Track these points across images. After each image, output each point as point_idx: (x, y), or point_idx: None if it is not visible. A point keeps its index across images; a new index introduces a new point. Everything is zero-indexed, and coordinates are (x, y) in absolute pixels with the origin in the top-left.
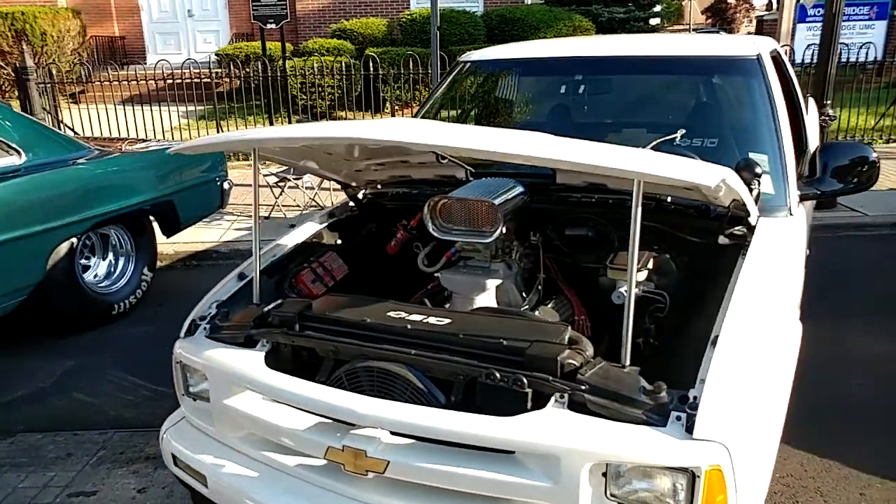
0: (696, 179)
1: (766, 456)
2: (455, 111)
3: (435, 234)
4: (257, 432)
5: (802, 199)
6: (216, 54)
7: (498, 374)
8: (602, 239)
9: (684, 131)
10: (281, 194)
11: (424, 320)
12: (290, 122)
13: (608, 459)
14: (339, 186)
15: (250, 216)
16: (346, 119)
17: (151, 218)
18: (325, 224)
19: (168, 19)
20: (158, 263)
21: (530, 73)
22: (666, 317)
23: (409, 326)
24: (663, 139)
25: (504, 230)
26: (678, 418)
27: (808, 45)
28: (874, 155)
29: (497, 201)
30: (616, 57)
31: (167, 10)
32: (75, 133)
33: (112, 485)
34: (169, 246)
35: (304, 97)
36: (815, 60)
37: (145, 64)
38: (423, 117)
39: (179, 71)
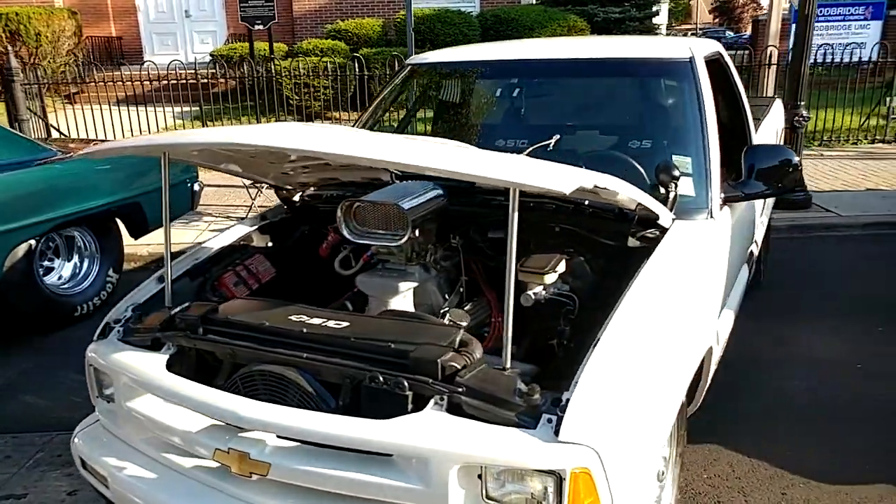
0: (548, 185)
1: (649, 459)
2: (399, 114)
3: (348, 237)
4: (156, 434)
5: (728, 201)
6: (211, 55)
7: (381, 378)
8: (522, 241)
9: (558, 137)
10: (258, 195)
11: (323, 324)
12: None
13: (475, 461)
14: None
15: (228, 217)
16: (338, 120)
17: (118, 220)
18: (256, 227)
19: (165, 20)
20: (131, 265)
21: (472, 76)
22: (577, 319)
23: (304, 330)
24: (538, 145)
25: (417, 233)
26: (549, 421)
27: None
28: (796, 158)
29: (407, 205)
30: (554, 60)
31: (164, 10)
32: (63, 135)
33: (44, 487)
34: (143, 247)
35: (297, 98)
36: (816, 61)
37: (142, 64)
38: (367, 121)
39: (174, 72)
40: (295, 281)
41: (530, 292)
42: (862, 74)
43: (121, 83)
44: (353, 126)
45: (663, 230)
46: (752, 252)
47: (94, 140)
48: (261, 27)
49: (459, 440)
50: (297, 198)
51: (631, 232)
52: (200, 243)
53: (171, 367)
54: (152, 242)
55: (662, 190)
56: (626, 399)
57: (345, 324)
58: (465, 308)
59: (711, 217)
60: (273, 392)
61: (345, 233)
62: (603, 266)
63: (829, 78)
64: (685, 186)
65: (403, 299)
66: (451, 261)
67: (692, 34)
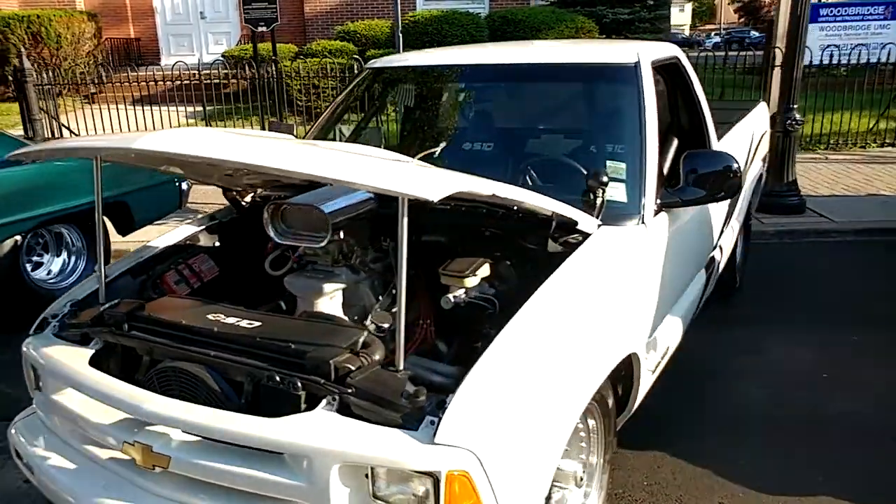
0: (416, 193)
1: (542, 464)
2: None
3: (274, 238)
4: (77, 427)
5: (664, 207)
6: (223, 56)
7: (277, 377)
8: (451, 245)
9: (444, 145)
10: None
11: (235, 323)
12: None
13: (354, 460)
14: None
15: None
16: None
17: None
18: (204, 227)
19: (181, 21)
20: None
21: (426, 80)
22: (499, 322)
23: (216, 329)
24: (426, 153)
25: (342, 235)
26: (431, 423)
27: (828, 46)
28: (735, 164)
29: (328, 209)
30: (505, 65)
31: (180, 12)
32: (73, 134)
33: (2, 475)
34: (132, 244)
35: (304, 98)
36: (832, 62)
37: (160, 65)
38: (324, 124)
39: (187, 72)
40: (238, 281)
41: (450, 296)
42: (880, 76)
43: (136, 84)
44: (312, 127)
45: (586, 235)
46: (713, 258)
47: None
48: (264, 29)
49: (339, 440)
50: (248, 199)
51: (553, 237)
52: (147, 242)
53: (99, 362)
54: (144, 240)
55: (591, 195)
56: (514, 404)
57: (257, 324)
58: (390, 311)
59: (643, 223)
60: (184, 388)
61: (271, 233)
62: (527, 270)
63: (840, 79)
64: (619, 192)
65: (330, 300)
66: (382, 263)
67: (715, 34)
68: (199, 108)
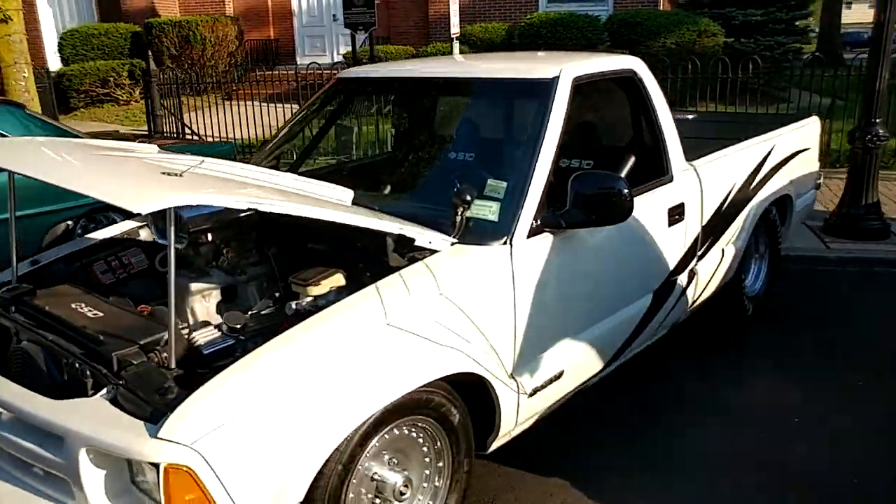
0: (121, 203)
1: (288, 473)
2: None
3: (156, 238)
4: None
5: (542, 229)
6: (343, 56)
7: (77, 364)
8: (331, 254)
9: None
10: None
11: (86, 312)
12: None
13: (95, 446)
14: None
15: None
16: None
17: None
18: (146, 223)
19: (316, 23)
20: None
21: (381, 90)
22: None
23: (64, 316)
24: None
25: (208, 238)
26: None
27: None
28: (625, 188)
29: (187, 214)
30: (436, 79)
31: (315, 14)
32: (192, 131)
33: None
34: None
35: None
36: None
37: (295, 65)
38: (288, 129)
39: (320, 72)
40: (162, 275)
41: (293, 303)
42: None
43: (269, 82)
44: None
45: (434, 252)
46: (672, 282)
47: (196, 136)
48: (363, 32)
49: (82, 424)
50: None
51: (400, 252)
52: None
53: None
54: None
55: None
56: (260, 411)
57: (100, 314)
58: (266, 312)
59: (509, 244)
60: (25, 368)
61: (153, 234)
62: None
63: None
64: (492, 211)
65: (202, 298)
66: (264, 267)
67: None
68: None
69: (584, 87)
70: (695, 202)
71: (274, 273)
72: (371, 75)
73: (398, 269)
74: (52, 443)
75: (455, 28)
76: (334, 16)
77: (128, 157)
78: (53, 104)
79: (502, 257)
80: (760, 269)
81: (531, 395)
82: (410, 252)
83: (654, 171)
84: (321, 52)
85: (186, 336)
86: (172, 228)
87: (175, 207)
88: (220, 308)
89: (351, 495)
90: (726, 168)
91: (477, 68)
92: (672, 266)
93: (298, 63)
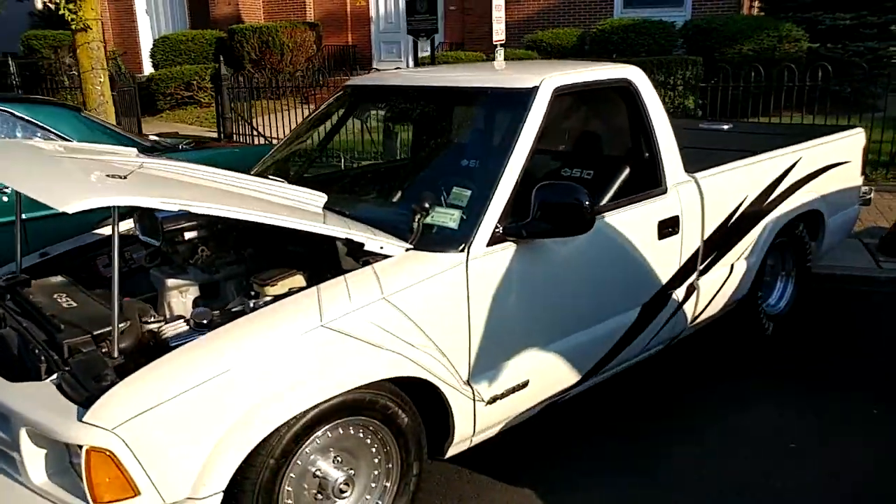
0: (46, 200)
1: (216, 459)
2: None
3: (139, 235)
4: None
5: (506, 238)
6: (415, 63)
7: (36, 349)
8: (305, 255)
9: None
10: None
11: (63, 302)
12: None
13: (31, 426)
14: None
15: None
16: None
17: None
18: None
19: (392, 29)
20: None
21: (380, 98)
22: None
23: (41, 305)
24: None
25: (185, 237)
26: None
27: None
28: (586, 199)
29: (160, 215)
30: (426, 87)
31: (392, 21)
32: (259, 134)
33: None
34: None
35: None
36: None
37: (371, 70)
38: (297, 133)
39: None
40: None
41: (251, 301)
42: None
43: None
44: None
45: (386, 257)
46: (665, 296)
47: (263, 137)
48: (425, 39)
49: (26, 406)
50: None
51: (354, 256)
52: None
53: None
54: None
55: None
56: (180, 402)
57: (73, 304)
58: (235, 309)
59: (466, 252)
60: (3, 351)
61: (137, 231)
62: None
63: None
64: (454, 219)
65: (179, 294)
66: (240, 266)
67: None
68: None
69: (570, 97)
70: (693, 215)
71: (249, 273)
72: (370, 83)
73: (338, 271)
74: (2, 422)
75: (499, 35)
76: None
77: (82, 160)
78: (137, 107)
79: (457, 265)
80: (786, 287)
81: (490, 403)
82: (366, 257)
83: (645, 183)
84: (397, 58)
85: (157, 329)
86: (116, 225)
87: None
88: (198, 304)
89: (289, 489)
90: (734, 181)
91: (467, 77)
92: (665, 280)
93: (374, 68)
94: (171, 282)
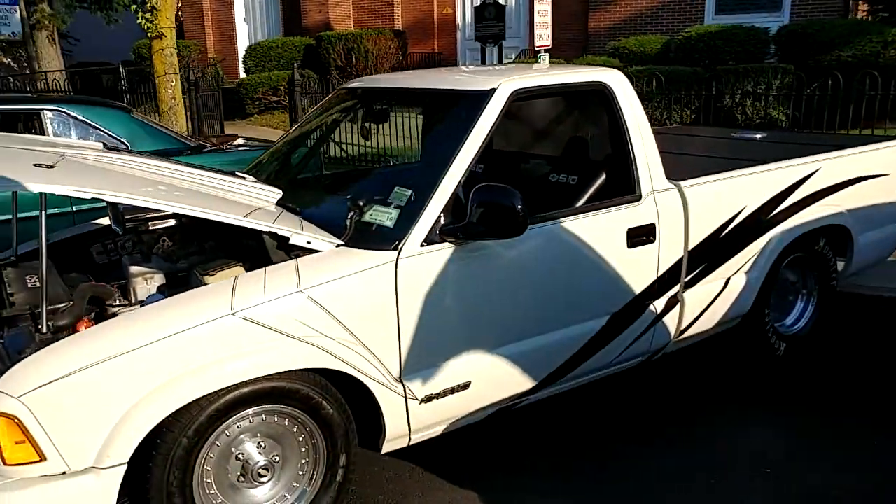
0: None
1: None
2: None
3: (114, 226)
4: None
5: (443, 238)
6: None
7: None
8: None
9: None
10: None
11: (27, 283)
12: None
13: None
14: None
15: None
16: None
17: None
18: None
19: None
20: None
21: (366, 100)
22: None
23: (9, 285)
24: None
25: (148, 227)
26: None
27: None
28: (518, 204)
29: (122, 208)
30: (397, 90)
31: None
32: None
33: None
34: None
35: None
36: None
37: None
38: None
39: None
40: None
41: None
42: None
43: None
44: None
45: (315, 251)
46: (637, 308)
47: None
48: (492, 45)
49: None
50: None
51: (288, 250)
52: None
53: None
54: None
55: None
56: (87, 375)
57: (37, 285)
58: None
59: (397, 250)
60: None
61: (112, 223)
62: None
63: None
64: (391, 218)
65: (144, 280)
66: (200, 257)
67: None
68: None
69: (536, 101)
70: (673, 225)
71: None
72: (356, 85)
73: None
74: None
75: (541, 41)
76: None
77: (22, 150)
78: (221, 110)
79: (386, 262)
80: (806, 307)
81: (425, 401)
82: (297, 251)
83: (618, 190)
84: (482, 66)
85: (117, 312)
86: (43, 209)
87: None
88: (162, 290)
89: (208, 468)
90: (728, 191)
91: (435, 80)
92: (638, 289)
93: None
94: (134, 269)
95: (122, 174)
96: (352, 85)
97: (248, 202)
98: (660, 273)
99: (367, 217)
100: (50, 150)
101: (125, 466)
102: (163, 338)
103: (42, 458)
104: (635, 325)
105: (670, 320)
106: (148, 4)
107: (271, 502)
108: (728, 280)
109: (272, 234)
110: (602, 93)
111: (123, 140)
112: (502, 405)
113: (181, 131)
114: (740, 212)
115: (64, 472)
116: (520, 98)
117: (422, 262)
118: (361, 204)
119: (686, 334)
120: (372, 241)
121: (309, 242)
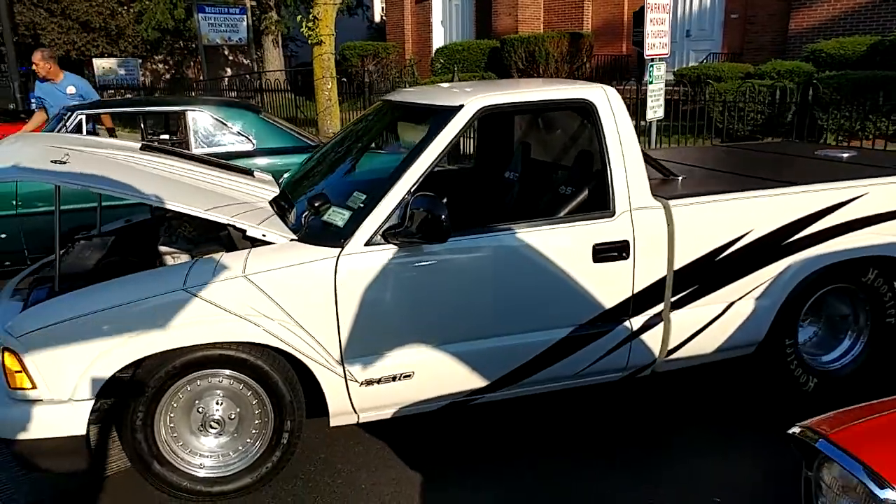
0: None
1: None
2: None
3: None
4: None
5: (387, 240)
6: (674, 73)
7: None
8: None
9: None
10: None
11: (70, 251)
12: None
13: None
14: None
15: None
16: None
17: None
18: None
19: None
20: None
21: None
22: None
23: (67, 253)
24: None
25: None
26: None
27: None
28: (443, 213)
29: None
30: (401, 103)
31: (668, 29)
32: None
33: None
34: None
35: (723, 120)
36: None
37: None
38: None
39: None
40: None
41: None
42: None
43: None
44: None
45: (268, 243)
46: (618, 322)
47: None
48: (639, 48)
49: None
50: None
51: (251, 240)
52: None
53: None
54: None
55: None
56: (70, 325)
57: (74, 254)
58: None
59: (340, 247)
60: None
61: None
62: None
63: None
64: (343, 218)
65: (171, 258)
66: (213, 244)
67: None
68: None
69: (511, 117)
70: (653, 243)
71: (220, 249)
72: (390, 98)
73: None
74: None
75: (654, 49)
76: (688, 31)
77: (51, 148)
78: None
79: (327, 257)
80: (854, 344)
81: (365, 385)
82: (255, 241)
83: (590, 205)
84: (669, 68)
85: None
86: (57, 196)
87: None
88: None
89: (171, 415)
90: (729, 212)
91: (429, 95)
92: (608, 304)
93: (645, 79)
94: (162, 248)
95: (122, 168)
96: (383, 97)
97: (240, 197)
98: (636, 290)
99: (326, 217)
100: (59, 147)
101: (93, 401)
102: (126, 303)
103: (34, 385)
104: (603, 340)
105: (651, 339)
106: (311, 15)
107: (223, 450)
108: (731, 304)
109: (235, 227)
110: (584, 109)
111: (250, 137)
112: (454, 399)
113: (336, 130)
114: (745, 234)
115: (51, 399)
116: (491, 114)
117: (362, 260)
118: (317, 205)
119: (676, 355)
120: (322, 238)
121: (264, 235)
